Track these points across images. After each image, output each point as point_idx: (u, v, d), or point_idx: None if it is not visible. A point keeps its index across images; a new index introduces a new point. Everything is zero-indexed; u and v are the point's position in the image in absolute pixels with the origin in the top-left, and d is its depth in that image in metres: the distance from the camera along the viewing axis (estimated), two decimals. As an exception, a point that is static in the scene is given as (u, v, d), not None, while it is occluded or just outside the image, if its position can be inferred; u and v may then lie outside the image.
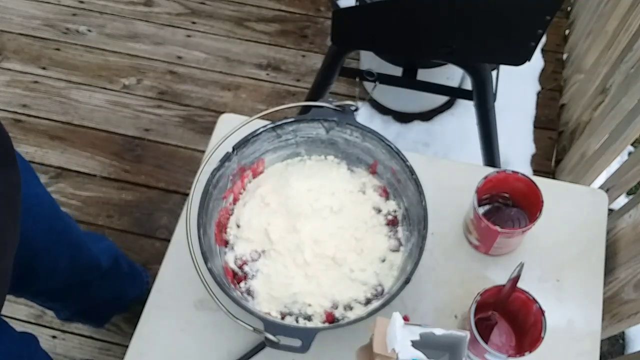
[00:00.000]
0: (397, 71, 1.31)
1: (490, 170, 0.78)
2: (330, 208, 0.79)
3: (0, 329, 0.80)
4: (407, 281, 0.69)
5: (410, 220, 0.79)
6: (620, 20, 1.26)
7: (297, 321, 0.75)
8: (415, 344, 0.58)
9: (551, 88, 1.75)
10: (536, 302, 0.68)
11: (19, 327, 1.51)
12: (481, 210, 0.78)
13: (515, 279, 0.68)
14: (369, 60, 1.53)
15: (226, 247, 0.80)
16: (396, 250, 0.79)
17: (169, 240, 0.85)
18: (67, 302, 1.19)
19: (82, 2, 1.95)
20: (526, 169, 1.61)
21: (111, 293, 1.25)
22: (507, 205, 0.82)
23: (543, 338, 0.66)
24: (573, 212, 0.85)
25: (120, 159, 1.68)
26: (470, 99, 1.24)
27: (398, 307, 0.76)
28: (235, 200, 0.82)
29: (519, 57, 1.02)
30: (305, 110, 1.03)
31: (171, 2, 1.95)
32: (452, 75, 1.50)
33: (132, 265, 1.35)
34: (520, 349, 0.70)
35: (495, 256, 0.82)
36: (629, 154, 1.20)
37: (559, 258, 0.82)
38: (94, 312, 1.31)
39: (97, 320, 1.36)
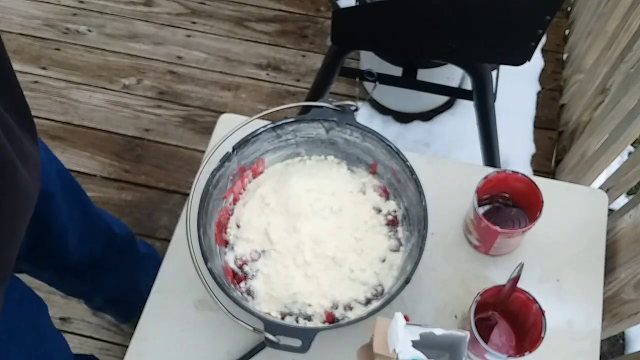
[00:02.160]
0: (397, 71, 1.31)
1: (490, 170, 0.78)
2: (330, 208, 0.79)
3: (12, 284, 0.78)
4: (407, 281, 0.69)
5: (410, 220, 0.79)
6: (620, 20, 1.26)
7: (297, 321, 0.75)
8: (415, 344, 0.58)
9: (551, 88, 1.75)
10: (536, 302, 0.68)
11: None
12: (481, 210, 0.78)
13: (515, 279, 0.68)
14: (369, 60, 1.53)
15: (226, 247, 0.80)
16: (396, 250, 0.79)
17: (169, 240, 0.86)
18: (92, 285, 1.18)
19: (82, 2, 1.95)
20: (526, 169, 1.61)
21: (135, 279, 1.25)
22: (507, 205, 0.82)
23: (543, 338, 0.66)
24: (573, 212, 0.85)
25: (120, 159, 1.68)
26: (470, 99, 1.24)
27: (398, 307, 0.76)
28: (235, 200, 0.83)
29: (519, 57, 1.02)
30: (305, 110, 1.03)
31: (171, 2, 1.95)
32: (452, 75, 1.50)
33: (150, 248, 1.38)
34: (520, 349, 0.70)
35: (495, 256, 0.82)
36: (629, 154, 1.20)
37: (559, 258, 0.82)
38: (124, 302, 1.31)
39: (126, 312, 1.36)
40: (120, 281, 1.23)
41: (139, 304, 1.32)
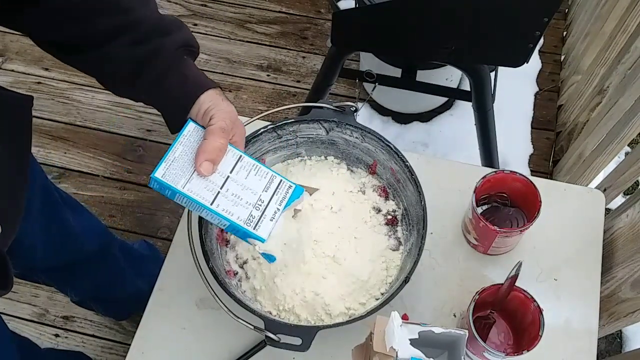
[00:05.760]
0: (396, 72, 1.32)
1: (488, 170, 0.78)
2: (330, 208, 0.80)
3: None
4: (406, 280, 0.70)
5: (410, 219, 0.79)
6: (618, 21, 1.27)
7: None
8: (414, 343, 0.58)
9: (549, 89, 1.76)
10: (534, 300, 0.69)
11: (21, 326, 1.51)
12: (480, 210, 0.79)
13: (514, 278, 0.69)
14: (368, 62, 1.53)
15: (227, 246, 0.80)
16: (395, 249, 0.80)
17: (170, 240, 0.86)
18: (63, 284, 1.17)
19: (83, 3, 1.96)
20: (524, 170, 1.62)
21: (114, 280, 1.23)
22: (505, 205, 0.82)
23: (541, 336, 0.66)
24: (570, 211, 0.86)
25: (122, 160, 1.69)
26: (468, 100, 1.24)
27: (397, 306, 0.77)
28: (237, 200, 0.83)
29: (517, 59, 1.03)
30: (305, 111, 1.04)
31: (173, 4, 1.96)
32: (451, 76, 1.51)
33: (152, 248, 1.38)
34: (518, 348, 0.71)
35: (494, 255, 0.83)
36: (626, 154, 1.21)
37: (557, 257, 0.83)
38: (106, 300, 1.29)
39: (115, 310, 1.35)
40: (92, 283, 1.20)
41: (129, 302, 1.32)
